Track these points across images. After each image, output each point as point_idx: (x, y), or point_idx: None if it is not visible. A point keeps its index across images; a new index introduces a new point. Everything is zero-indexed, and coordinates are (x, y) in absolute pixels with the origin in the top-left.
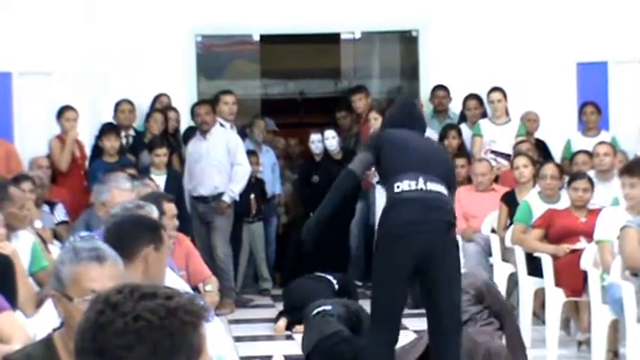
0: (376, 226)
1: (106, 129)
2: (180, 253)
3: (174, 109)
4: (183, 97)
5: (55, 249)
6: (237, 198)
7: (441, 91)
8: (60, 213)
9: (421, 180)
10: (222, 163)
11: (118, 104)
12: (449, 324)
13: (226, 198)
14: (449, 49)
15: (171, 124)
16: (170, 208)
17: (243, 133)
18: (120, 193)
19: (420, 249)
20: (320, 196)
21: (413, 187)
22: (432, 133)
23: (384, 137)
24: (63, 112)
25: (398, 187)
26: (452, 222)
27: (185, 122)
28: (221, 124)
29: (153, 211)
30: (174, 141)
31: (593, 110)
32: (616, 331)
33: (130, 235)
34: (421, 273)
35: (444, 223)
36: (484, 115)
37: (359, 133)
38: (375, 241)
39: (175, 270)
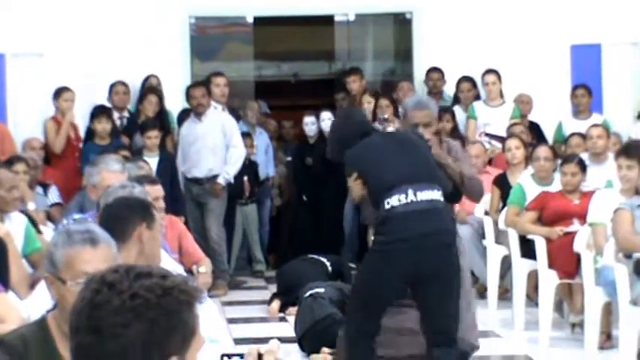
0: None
1: (98, 111)
2: (173, 236)
3: (159, 91)
4: (177, 79)
5: (48, 231)
6: (232, 180)
7: (435, 73)
8: (53, 195)
9: (410, 191)
10: (217, 145)
11: (112, 86)
12: (441, 337)
13: (221, 180)
14: (443, 31)
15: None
16: (153, 190)
17: (236, 116)
18: (110, 175)
19: (415, 263)
20: (313, 178)
21: (403, 201)
22: None
23: (351, 160)
24: (60, 93)
25: (388, 203)
26: (448, 229)
27: (179, 104)
28: (214, 107)
29: (137, 191)
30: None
31: (584, 93)
32: (609, 313)
33: (121, 215)
34: (415, 286)
35: (440, 234)
36: (477, 97)
37: None
38: (368, 253)
39: (169, 252)
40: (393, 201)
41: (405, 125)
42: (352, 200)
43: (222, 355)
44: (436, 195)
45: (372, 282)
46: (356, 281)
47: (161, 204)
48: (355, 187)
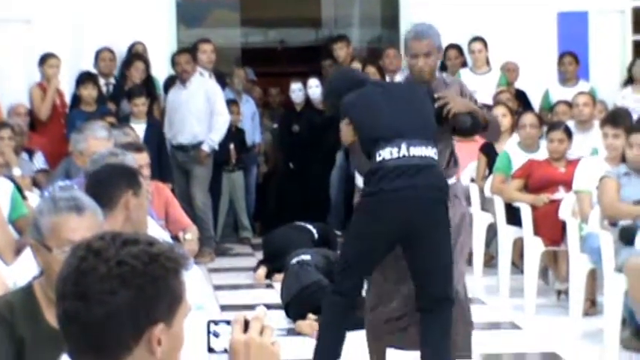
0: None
1: (84, 78)
2: (160, 202)
3: (145, 58)
4: (163, 45)
5: (33, 197)
6: (217, 147)
7: None
8: (39, 161)
9: (403, 146)
10: (201, 111)
11: (98, 52)
12: (435, 296)
13: (206, 147)
14: None
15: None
16: (139, 157)
17: (222, 82)
18: (96, 142)
19: (404, 217)
20: (300, 146)
21: (395, 155)
22: None
23: (345, 107)
24: (45, 59)
25: (380, 155)
26: (438, 185)
27: (165, 71)
28: (200, 73)
29: (127, 159)
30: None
31: (571, 60)
32: (594, 280)
33: (107, 183)
34: (404, 240)
35: (429, 189)
36: (464, 64)
37: None
38: (357, 202)
39: (155, 219)
40: (385, 153)
41: (407, 57)
42: (339, 167)
43: (209, 322)
44: (430, 152)
45: (358, 234)
46: (344, 240)
47: (146, 171)
48: (347, 132)
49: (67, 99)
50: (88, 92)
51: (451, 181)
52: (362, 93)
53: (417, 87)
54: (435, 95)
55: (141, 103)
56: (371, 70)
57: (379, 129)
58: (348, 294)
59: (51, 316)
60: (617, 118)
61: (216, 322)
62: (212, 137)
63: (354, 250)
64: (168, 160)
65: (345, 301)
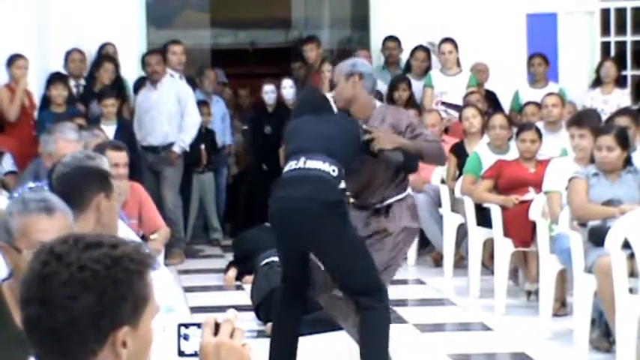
0: None
1: (54, 78)
2: (133, 202)
3: (115, 59)
4: (133, 46)
5: (2, 199)
6: (188, 148)
7: (391, 42)
8: (7, 163)
9: (302, 159)
10: (172, 112)
11: (68, 53)
12: (352, 292)
13: (176, 148)
14: None
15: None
16: (113, 156)
17: (193, 84)
18: (66, 144)
19: (294, 225)
20: (272, 147)
21: (293, 167)
22: (381, 85)
23: (286, 131)
24: (13, 60)
25: (284, 167)
26: (319, 198)
27: (135, 72)
28: (170, 75)
29: (103, 163)
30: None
31: (540, 62)
32: (563, 280)
33: (80, 184)
34: (299, 245)
35: (313, 200)
36: (429, 68)
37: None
38: None
39: (124, 219)
40: (288, 166)
41: None
42: None
43: (179, 325)
44: (324, 166)
45: (276, 239)
46: None
47: (123, 171)
48: (282, 154)
49: (36, 100)
50: (58, 92)
51: (399, 196)
52: (301, 118)
53: (347, 120)
54: (364, 127)
55: (110, 104)
56: None
57: (292, 145)
58: (294, 290)
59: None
60: (582, 119)
61: (186, 325)
62: (183, 138)
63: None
64: (140, 161)
65: (293, 298)
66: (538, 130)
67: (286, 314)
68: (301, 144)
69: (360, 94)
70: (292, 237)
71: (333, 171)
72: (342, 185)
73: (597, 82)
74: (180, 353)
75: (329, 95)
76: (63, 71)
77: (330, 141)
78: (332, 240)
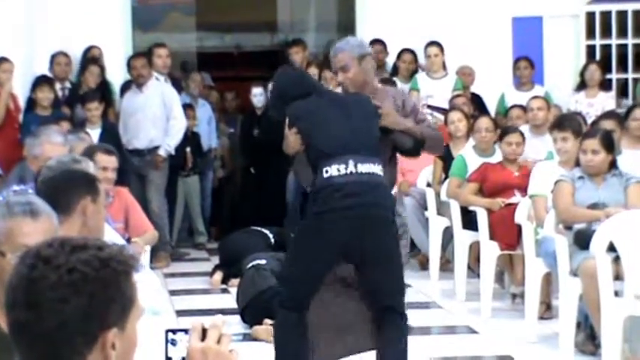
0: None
1: (40, 81)
2: (119, 206)
3: (100, 63)
4: (119, 50)
5: None
6: (173, 152)
7: (377, 45)
8: None
9: (351, 162)
10: (157, 116)
11: (53, 56)
12: (390, 314)
13: (162, 152)
14: (385, 2)
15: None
16: (103, 159)
17: (178, 87)
18: (52, 147)
19: (355, 235)
20: (261, 150)
21: (343, 172)
22: None
23: (294, 116)
24: None
25: (327, 171)
26: (387, 204)
27: (121, 75)
28: (156, 78)
29: (89, 167)
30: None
31: (526, 65)
32: (549, 283)
33: (66, 188)
34: (355, 257)
35: (378, 208)
36: (416, 70)
37: None
38: (302, 222)
39: (110, 222)
40: (333, 170)
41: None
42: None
43: (167, 331)
44: (377, 169)
45: (308, 253)
46: (288, 252)
47: (111, 175)
48: (293, 141)
49: (21, 103)
50: (44, 95)
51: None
52: (309, 102)
53: (364, 100)
54: (374, 102)
55: (94, 108)
56: (328, 75)
57: (326, 143)
58: (301, 308)
59: (4, 322)
60: (563, 122)
61: (173, 331)
62: (168, 142)
63: (302, 266)
64: (126, 165)
65: (297, 315)
66: (522, 133)
67: (293, 328)
68: (339, 141)
69: (372, 76)
70: (352, 246)
71: (380, 170)
72: None
73: (582, 86)
74: (168, 359)
75: (337, 80)
76: (49, 74)
77: (368, 135)
78: (394, 248)
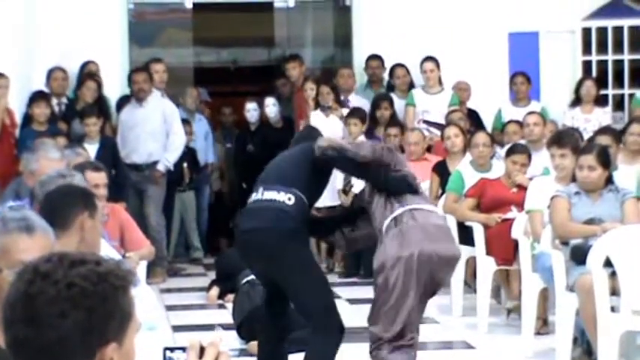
0: None
1: (36, 96)
2: (114, 224)
3: (97, 78)
4: (115, 65)
5: None
6: (172, 167)
7: (374, 60)
8: None
9: (260, 190)
10: (157, 131)
11: (50, 72)
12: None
13: (161, 167)
14: (382, 18)
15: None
16: (93, 177)
17: (175, 102)
18: (49, 162)
19: (254, 256)
20: (255, 165)
21: (253, 198)
22: (364, 103)
23: None
24: None
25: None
26: (268, 227)
27: (118, 90)
28: (161, 94)
29: (78, 181)
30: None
31: (523, 80)
32: (545, 299)
33: (64, 203)
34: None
35: (255, 232)
36: (411, 84)
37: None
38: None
39: (107, 239)
40: (250, 197)
41: None
42: None
43: (165, 349)
44: (279, 196)
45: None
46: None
47: (103, 192)
48: None
49: (17, 118)
50: (41, 111)
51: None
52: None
53: (305, 146)
54: (319, 144)
55: (92, 123)
56: (325, 90)
57: (258, 178)
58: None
59: (1, 339)
60: (562, 138)
61: (171, 349)
62: (168, 157)
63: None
64: (124, 180)
65: (274, 326)
66: (529, 155)
67: (270, 339)
68: (262, 175)
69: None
70: (255, 265)
71: (288, 199)
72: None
73: (577, 101)
74: None
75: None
76: (45, 89)
77: (283, 169)
78: (286, 270)
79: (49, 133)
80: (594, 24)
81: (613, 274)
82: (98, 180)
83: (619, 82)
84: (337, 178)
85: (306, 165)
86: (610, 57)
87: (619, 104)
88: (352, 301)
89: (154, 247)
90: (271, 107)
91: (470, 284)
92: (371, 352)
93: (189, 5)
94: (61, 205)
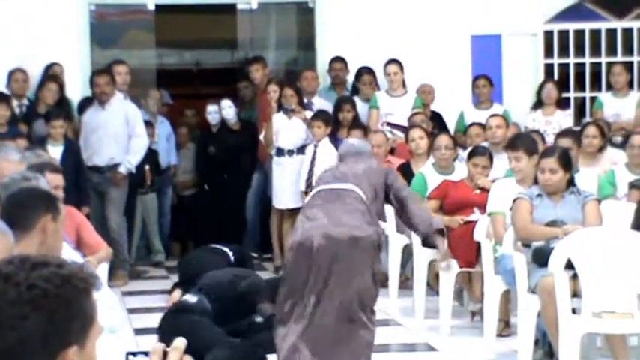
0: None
1: None
2: (71, 226)
3: (60, 79)
4: (77, 66)
5: None
6: (134, 170)
7: (338, 63)
8: None
9: None
10: (119, 134)
11: (11, 73)
12: None
13: (122, 169)
14: (345, 20)
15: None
16: (52, 179)
17: (137, 104)
18: (8, 164)
19: None
20: (216, 167)
21: None
22: (327, 106)
23: None
24: None
25: None
26: None
27: (79, 92)
28: (124, 96)
29: (42, 184)
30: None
31: (485, 83)
32: (508, 301)
33: (26, 205)
34: None
35: None
36: (377, 88)
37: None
38: None
39: (68, 242)
40: None
41: None
42: (255, 189)
43: (128, 354)
44: None
45: None
46: None
47: (60, 194)
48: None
49: None
50: (1, 112)
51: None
52: None
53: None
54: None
55: (59, 126)
56: (289, 92)
57: None
58: None
59: None
60: (515, 142)
61: (134, 354)
62: (130, 160)
63: None
64: (86, 183)
65: None
66: (491, 157)
67: None
68: None
69: None
70: None
71: None
72: None
73: (539, 104)
74: None
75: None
76: (6, 91)
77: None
78: None
79: (10, 135)
80: (556, 27)
81: (574, 276)
82: (56, 182)
83: (580, 84)
84: (301, 179)
85: None
86: (572, 60)
87: (580, 107)
88: None
89: (115, 249)
90: (227, 110)
91: (432, 286)
92: None
93: (151, 7)
94: (24, 207)
